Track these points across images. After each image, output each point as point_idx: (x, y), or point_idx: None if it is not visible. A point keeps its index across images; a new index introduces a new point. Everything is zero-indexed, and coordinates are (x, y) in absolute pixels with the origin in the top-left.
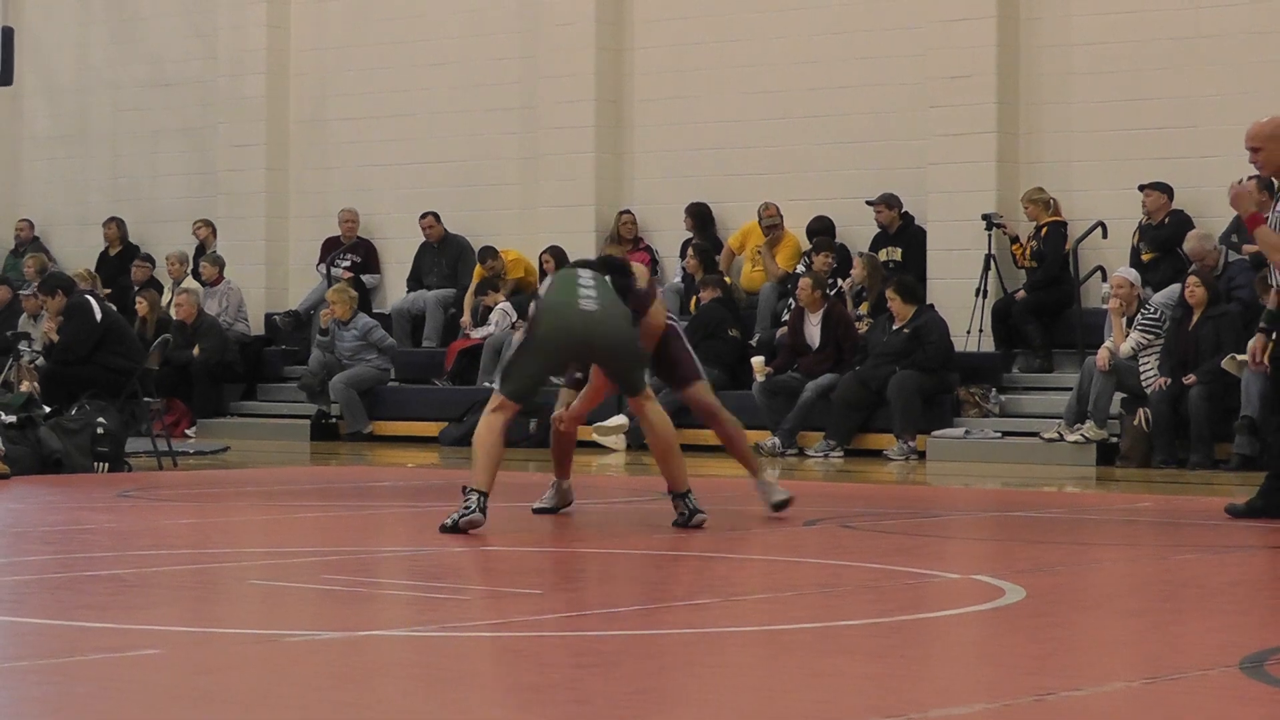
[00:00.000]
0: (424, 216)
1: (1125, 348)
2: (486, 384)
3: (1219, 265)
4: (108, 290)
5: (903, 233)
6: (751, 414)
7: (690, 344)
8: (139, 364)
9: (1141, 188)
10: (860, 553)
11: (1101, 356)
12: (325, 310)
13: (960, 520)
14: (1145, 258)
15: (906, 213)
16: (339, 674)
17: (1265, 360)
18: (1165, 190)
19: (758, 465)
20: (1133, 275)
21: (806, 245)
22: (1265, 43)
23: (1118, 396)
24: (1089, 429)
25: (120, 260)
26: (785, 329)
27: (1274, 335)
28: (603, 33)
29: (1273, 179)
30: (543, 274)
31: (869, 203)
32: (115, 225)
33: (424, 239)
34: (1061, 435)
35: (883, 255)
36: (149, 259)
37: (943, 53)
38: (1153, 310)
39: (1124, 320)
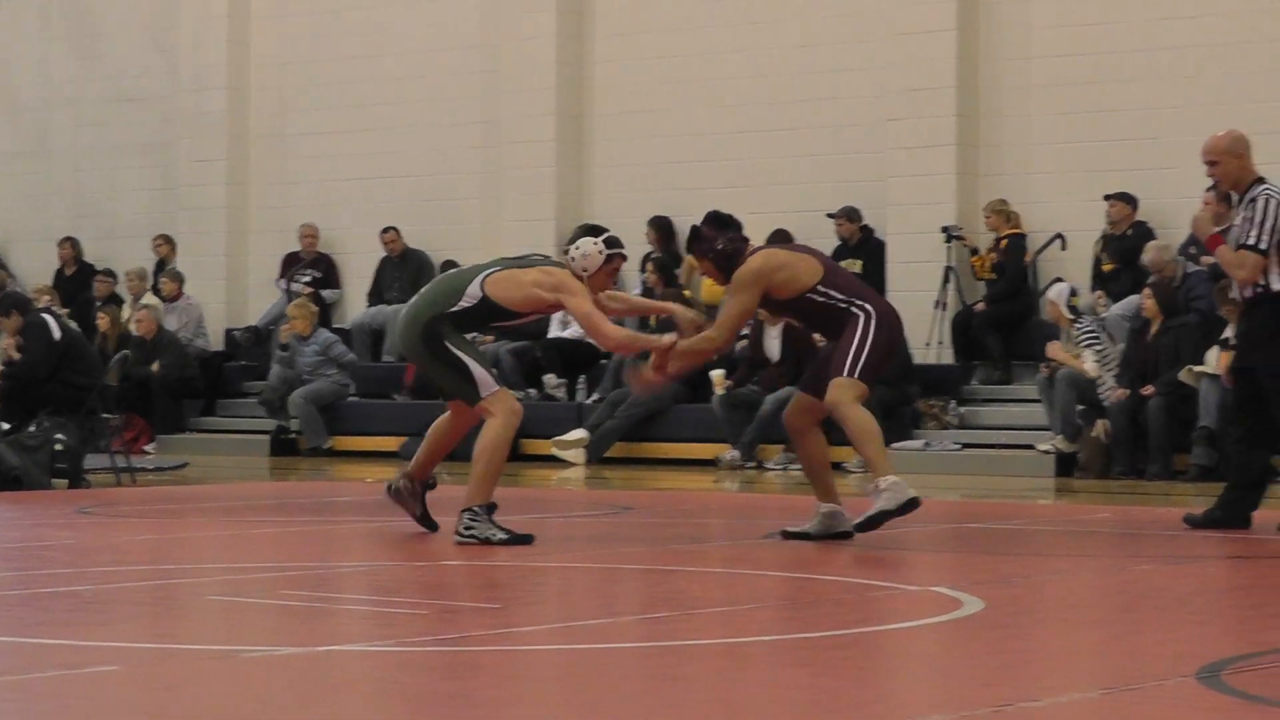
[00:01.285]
0: (386, 231)
1: (1090, 368)
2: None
3: (1178, 276)
4: (65, 309)
5: (863, 245)
6: (711, 427)
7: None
8: (98, 380)
9: (1107, 197)
10: (819, 565)
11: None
12: (285, 325)
13: (919, 532)
14: (1106, 268)
15: (866, 225)
16: (298, 689)
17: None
18: (1130, 201)
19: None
20: (1063, 291)
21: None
22: (1225, 55)
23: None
24: (1059, 441)
25: (76, 279)
26: (745, 342)
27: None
28: (564, 47)
29: (1230, 192)
30: None
31: (830, 215)
32: (70, 245)
33: (385, 253)
34: (1057, 449)
35: (850, 265)
36: (111, 274)
37: (903, 66)
38: (1085, 324)
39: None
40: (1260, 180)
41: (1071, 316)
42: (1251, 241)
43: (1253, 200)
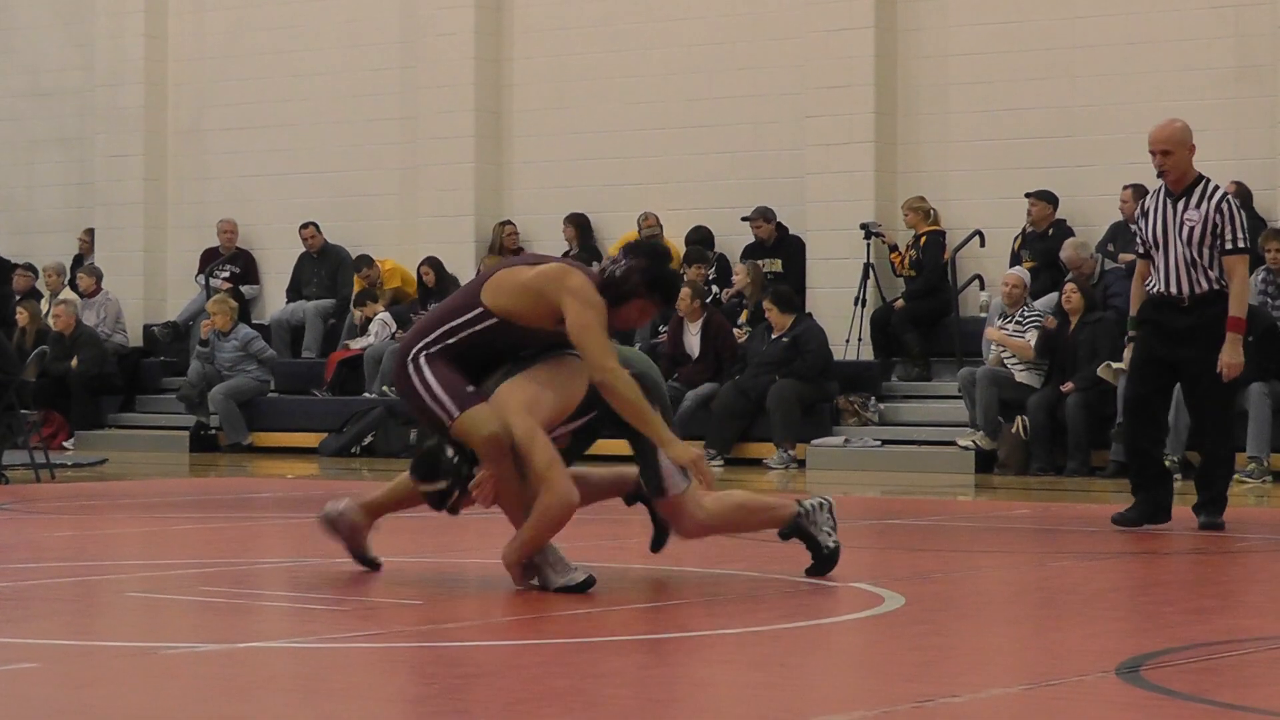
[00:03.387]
0: (304, 226)
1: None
2: (367, 394)
3: (1095, 273)
4: None
5: (781, 244)
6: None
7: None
8: (15, 376)
9: (1028, 195)
10: (740, 561)
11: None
12: (206, 321)
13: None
14: (1027, 265)
15: (782, 224)
16: (219, 686)
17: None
18: (1050, 200)
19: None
20: (1025, 274)
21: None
22: (1140, 53)
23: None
24: (979, 438)
25: None
26: (664, 338)
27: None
28: (482, 43)
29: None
30: (421, 284)
31: (745, 218)
32: None
33: (303, 249)
34: (977, 445)
35: (767, 265)
36: (31, 268)
37: (821, 63)
38: (1037, 311)
39: (1000, 320)
40: (1203, 177)
41: (1029, 301)
42: (1243, 245)
43: (1214, 200)
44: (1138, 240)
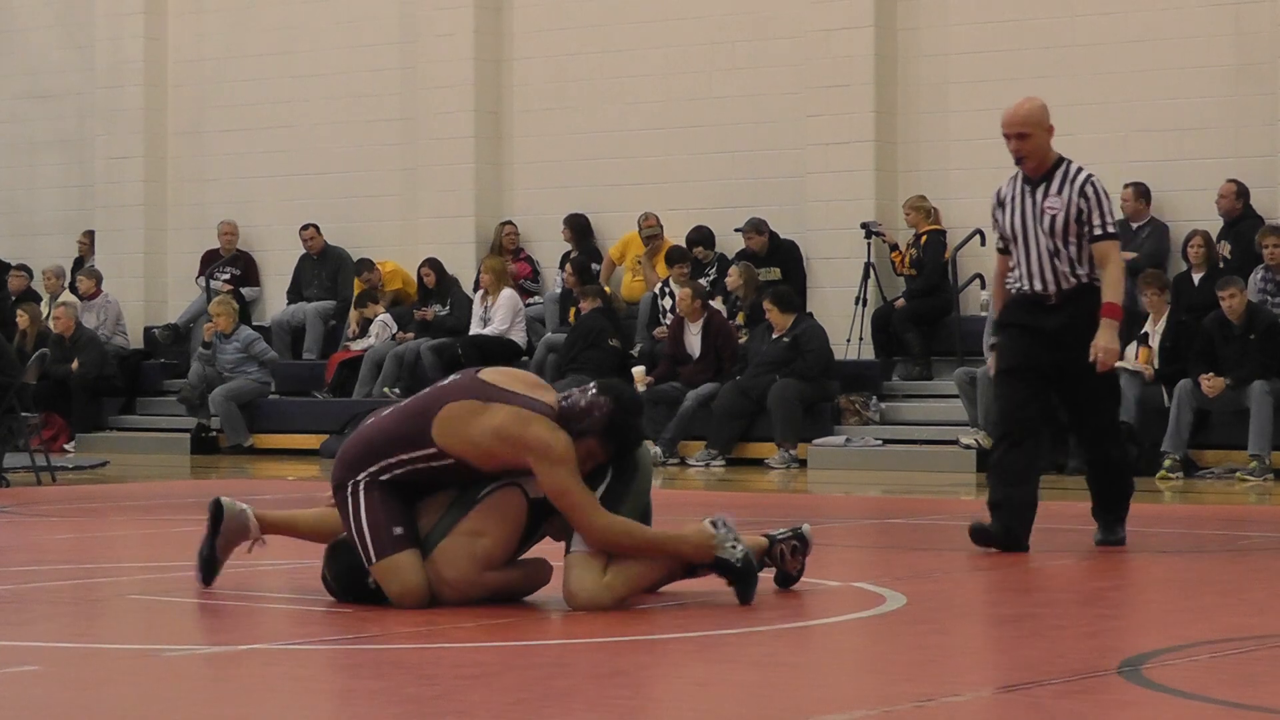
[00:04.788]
0: (305, 228)
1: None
2: (369, 395)
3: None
4: None
5: (775, 254)
6: None
7: (571, 354)
8: (16, 378)
9: None
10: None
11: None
12: (208, 324)
13: (841, 528)
14: None
15: (774, 233)
16: (220, 688)
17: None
18: None
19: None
20: None
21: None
22: (1139, 51)
23: None
24: (981, 436)
25: None
26: (665, 338)
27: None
28: (482, 44)
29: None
30: (422, 285)
31: (737, 229)
32: None
33: (304, 251)
34: (979, 443)
35: (762, 275)
36: (25, 269)
37: (820, 62)
38: None
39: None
40: (1064, 159)
41: None
42: (1112, 230)
43: (1077, 183)
44: (996, 234)
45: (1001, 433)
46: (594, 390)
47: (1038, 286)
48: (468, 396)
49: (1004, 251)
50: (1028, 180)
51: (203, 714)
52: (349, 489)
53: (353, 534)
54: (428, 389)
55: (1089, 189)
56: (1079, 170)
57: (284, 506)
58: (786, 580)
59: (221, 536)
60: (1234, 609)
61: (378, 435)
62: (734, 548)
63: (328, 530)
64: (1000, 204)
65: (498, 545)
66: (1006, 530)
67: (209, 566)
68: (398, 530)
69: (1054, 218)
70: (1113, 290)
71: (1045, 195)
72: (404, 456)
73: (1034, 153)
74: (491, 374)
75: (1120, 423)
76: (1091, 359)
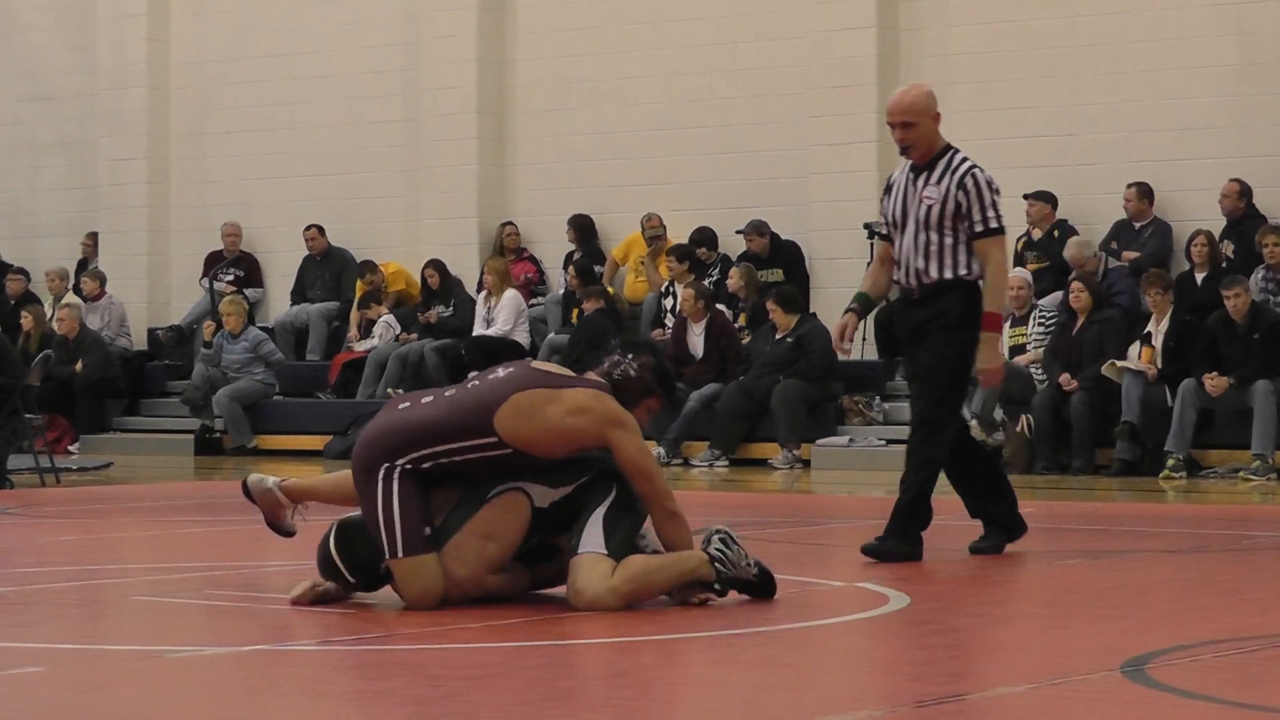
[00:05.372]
0: (308, 229)
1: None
2: (373, 396)
3: (1099, 271)
4: None
5: (776, 255)
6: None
7: (574, 355)
8: (20, 380)
9: (1026, 197)
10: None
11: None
12: (208, 323)
13: (845, 528)
14: (1032, 267)
15: (775, 234)
16: (224, 690)
17: (849, 342)
18: (1049, 200)
19: None
20: (1026, 275)
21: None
22: (1142, 51)
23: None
24: (974, 429)
25: None
26: (669, 339)
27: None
28: (484, 45)
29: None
30: (425, 286)
31: (739, 231)
32: None
33: (307, 252)
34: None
35: (764, 277)
36: (23, 272)
37: (823, 63)
38: (1050, 313)
39: (1008, 322)
40: (951, 148)
41: (1034, 301)
42: (994, 225)
43: (958, 174)
44: (880, 220)
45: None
46: (630, 356)
47: (907, 279)
48: (536, 386)
49: (884, 238)
50: (914, 168)
51: (207, 715)
52: (382, 473)
53: (379, 521)
54: (476, 382)
55: (969, 181)
56: (963, 161)
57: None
58: (752, 587)
59: (264, 511)
60: (1237, 609)
61: (424, 423)
62: (749, 565)
63: (348, 494)
64: (887, 190)
65: (503, 550)
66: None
67: (284, 532)
68: (427, 531)
69: (929, 208)
70: (993, 296)
71: (925, 184)
72: (457, 445)
73: (919, 141)
74: (542, 364)
75: (1125, 421)
76: (974, 375)
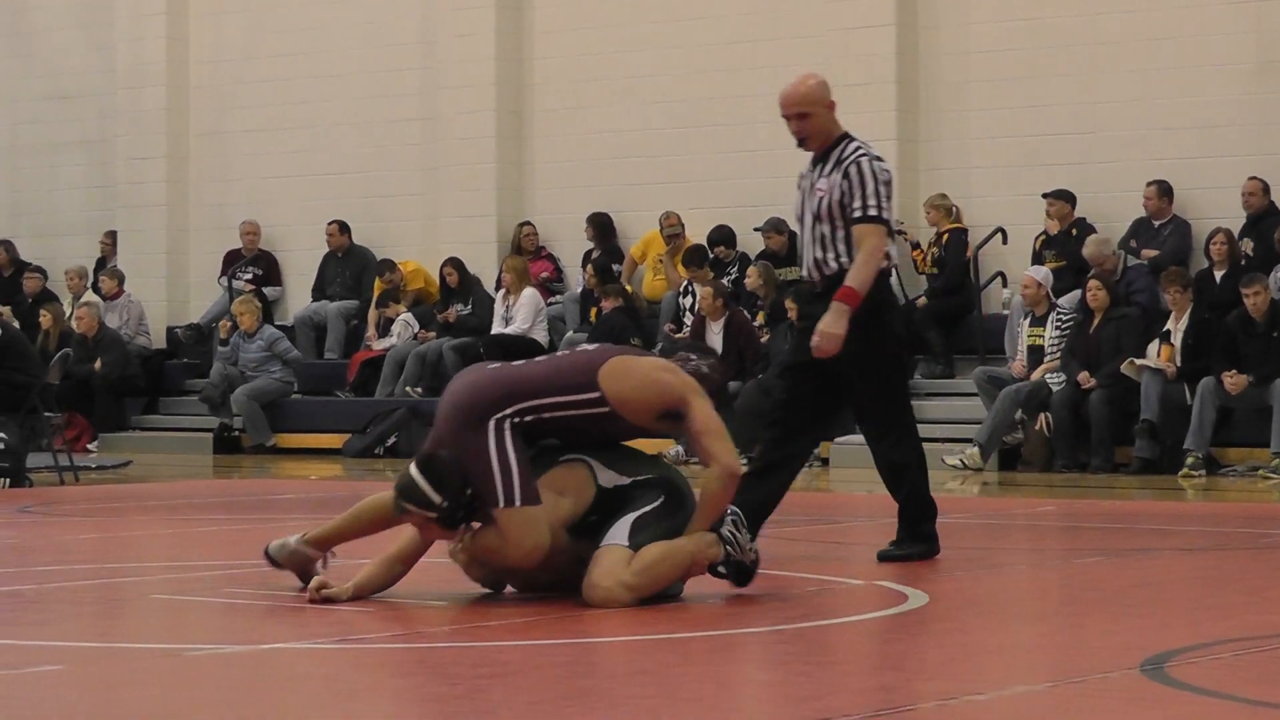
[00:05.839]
0: (330, 224)
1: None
2: (391, 394)
3: (1118, 269)
4: (5, 306)
5: (796, 252)
6: None
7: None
8: (39, 379)
9: (1045, 196)
10: (763, 560)
11: (1017, 367)
12: (224, 321)
13: (863, 526)
14: (1050, 266)
15: (794, 232)
16: (243, 688)
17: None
18: (1068, 199)
19: None
20: (1040, 274)
21: (710, 254)
22: (1162, 49)
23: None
24: (968, 455)
25: (14, 281)
26: (686, 337)
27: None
28: (503, 43)
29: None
30: (444, 284)
31: (757, 229)
32: (4, 249)
33: (326, 250)
34: (964, 463)
35: (783, 274)
36: (40, 270)
37: (842, 61)
38: (1067, 312)
39: (1027, 321)
40: (847, 136)
41: (1053, 301)
42: (874, 213)
43: (844, 164)
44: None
45: (768, 424)
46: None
47: (807, 271)
48: (627, 354)
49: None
50: (812, 161)
51: (226, 713)
52: (493, 424)
53: (493, 470)
54: (571, 350)
55: (853, 169)
56: (855, 150)
57: (304, 505)
58: (743, 573)
59: (294, 571)
60: (1257, 607)
61: (531, 378)
62: (751, 550)
63: (374, 520)
64: (799, 185)
65: (574, 509)
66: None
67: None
68: (534, 485)
69: (821, 199)
70: (856, 274)
71: (819, 176)
72: (561, 399)
73: (816, 133)
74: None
75: (1144, 419)
76: (812, 343)
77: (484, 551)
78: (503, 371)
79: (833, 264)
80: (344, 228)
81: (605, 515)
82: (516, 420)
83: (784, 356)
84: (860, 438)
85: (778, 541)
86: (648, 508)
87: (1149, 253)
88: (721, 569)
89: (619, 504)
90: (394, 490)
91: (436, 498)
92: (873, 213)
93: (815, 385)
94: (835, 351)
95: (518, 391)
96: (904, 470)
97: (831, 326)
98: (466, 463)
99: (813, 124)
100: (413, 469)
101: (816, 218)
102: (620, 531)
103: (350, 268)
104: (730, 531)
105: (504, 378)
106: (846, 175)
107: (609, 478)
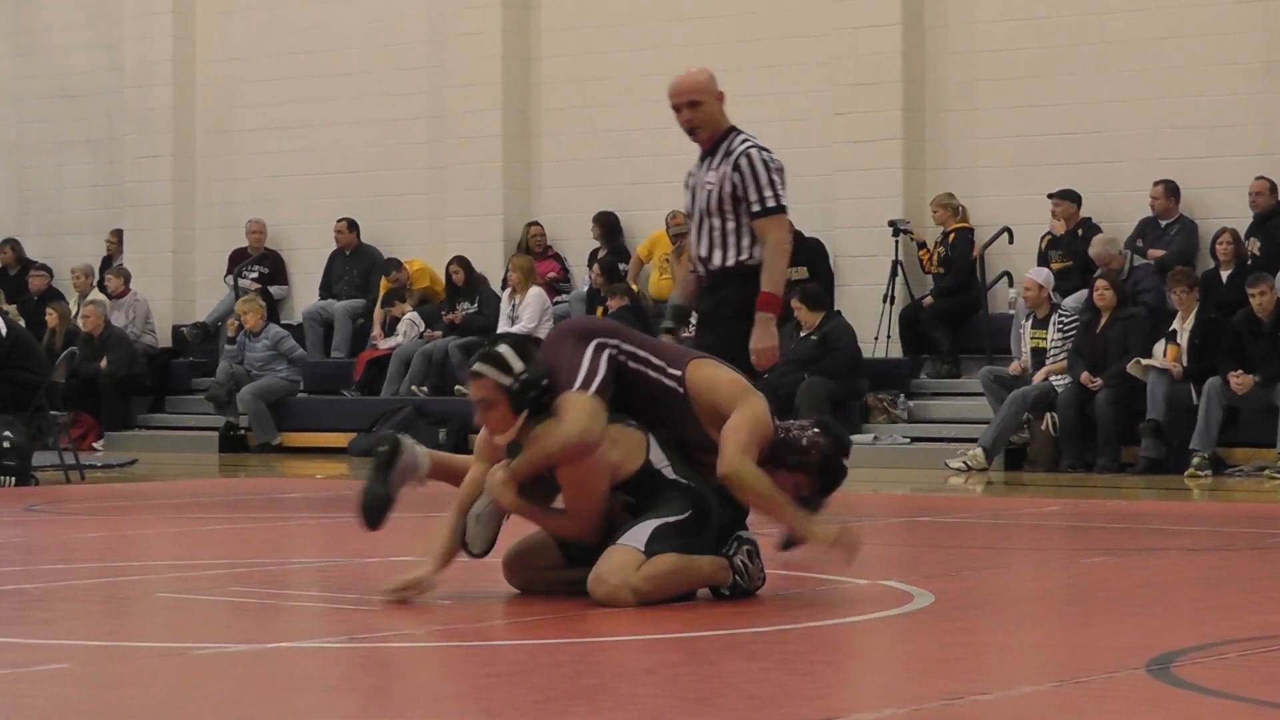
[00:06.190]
0: (339, 221)
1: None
2: (397, 393)
3: (1124, 269)
4: (12, 304)
5: (802, 252)
6: None
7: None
8: (45, 377)
9: (1051, 196)
10: (770, 559)
11: (1016, 367)
12: (232, 320)
13: (869, 526)
14: (1056, 266)
15: (799, 231)
16: (248, 687)
17: None
18: (1073, 199)
19: None
20: (1041, 276)
21: None
22: (1168, 48)
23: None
24: (972, 457)
25: (20, 278)
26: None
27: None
28: (509, 42)
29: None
30: (450, 283)
31: None
32: (10, 248)
33: (333, 249)
34: (968, 465)
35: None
36: (45, 268)
37: (848, 60)
38: (1069, 314)
39: (1029, 323)
40: (734, 129)
41: (1056, 301)
42: (772, 204)
43: (734, 155)
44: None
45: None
46: (815, 430)
47: (696, 267)
48: (721, 363)
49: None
50: (701, 155)
51: (230, 713)
52: (595, 342)
53: (580, 365)
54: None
55: (744, 161)
56: (743, 141)
57: (310, 504)
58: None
59: (396, 473)
60: (1263, 607)
61: (634, 333)
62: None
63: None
64: (686, 184)
65: (622, 460)
66: None
67: (381, 505)
68: (609, 394)
69: (710, 193)
70: (770, 277)
71: (707, 169)
72: (655, 360)
73: (706, 122)
74: None
75: (1150, 419)
76: (754, 361)
77: (534, 441)
78: (613, 320)
79: (717, 261)
80: (352, 225)
81: (640, 497)
82: (615, 352)
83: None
84: (862, 436)
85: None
86: (672, 518)
87: (1155, 252)
88: (725, 592)
89: (653, 492)
90: (474, 359)
91: (518, 365)
92: (771, 204)
93: None
94: (774, 362)
95: (625, 335)
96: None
97: (762, 341)
98: (558, 368)
99: (704, 113)
100: (500, 345)
101: (705, 212)
102: (639, 534)
103: (358, 266)
104: (743, 562)
105: (615, 323)
106: (737, 167)
107: (658, 457)
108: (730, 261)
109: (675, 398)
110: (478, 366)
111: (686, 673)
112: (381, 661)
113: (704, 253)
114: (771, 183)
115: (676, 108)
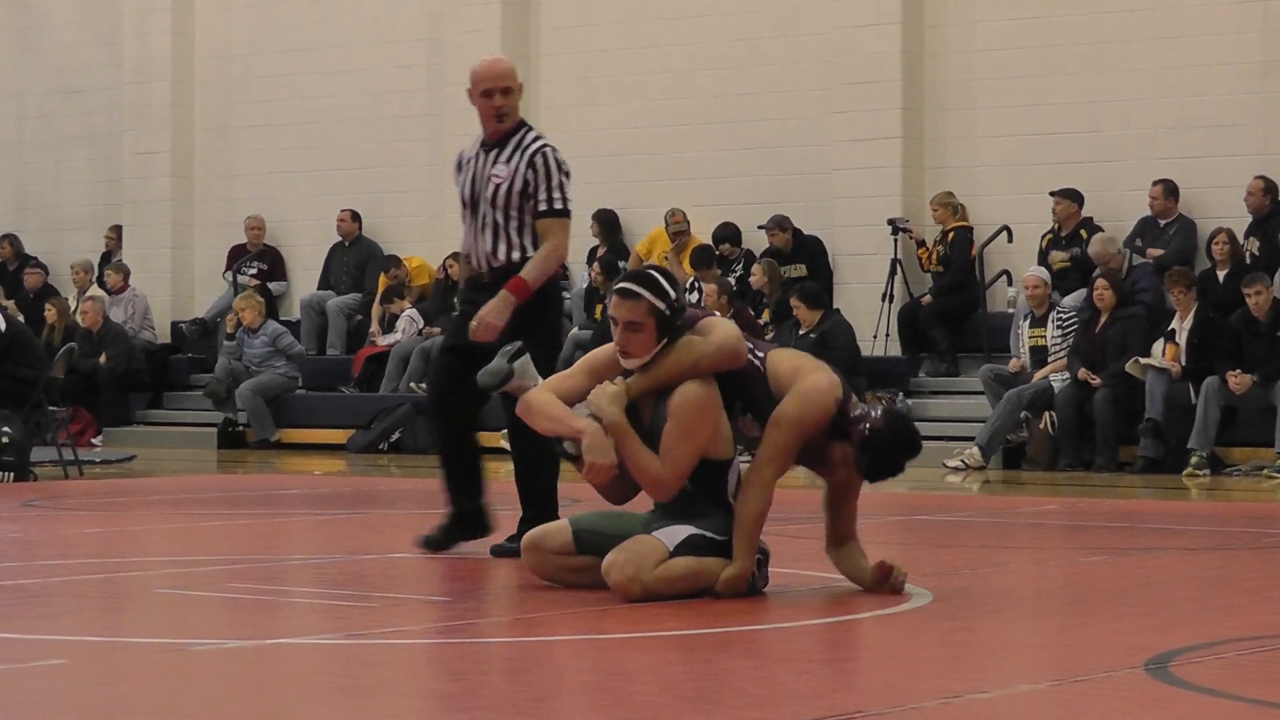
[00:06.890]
0: (342, 212)
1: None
2: (395, 390)
3: (1123, 268)
4: (10, 300)
5: (799, 250)
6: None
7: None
8: (44, 373)
9: (1052, 194)
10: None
11: (1014, 365)
12: (230, 316)
13: (867, 524)
14: (1058, 265)
15: (798, 229)
16: (246, 683)
17: None
18: (1075, 197)
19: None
20: (1044, 274)
21: (715, 251)
22: (1167, 48)
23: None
24: (970, 455)
25: (18, 274)
26: None
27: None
28: (509, 40)
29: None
30: (448, 280)
31: (761, 226)
32: (9, 243)
33: (332, 244)
34: (965, 464)
35: (787, 271)
36: (41, 265)
37: (848, 59)
38: (1068, 312)
39: (1028, 322)
40: (525, 124)
41: (1053, 300)
42: (559, 206)
43: (529, 152)
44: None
45: (433, 414)
46: (879, 411)
47: (476, 262)
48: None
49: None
50: (485, 144)
51: (228, 709)
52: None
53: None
54: None
55: (539, 159)
56: (536, 139)
57: (309, 500)
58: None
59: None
60: (1261, 607)
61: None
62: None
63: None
64: (459, 167)
65: (721, 441)
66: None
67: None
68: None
69: (498, 187)
70: (533, 268)
71: (495, 161)
72: (749, 342)
73: (513, 111)
74: None
75: (1148, 418)
76: (472, 325)
77: (675, 351)
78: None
79: (501, 256)
80: (355, 216)
81: (697, 488)
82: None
83: (443, 339)
84: None
85: (781, 539)
86: (711, 533)
87: (1154, 252)
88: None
89: (709, 496)
90: (624, 278)
91: (673, 293)
92: (558, 206)
93: (466, 371)
94: (492, 339)
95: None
96: (541, 465)
97: (493, 316)
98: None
99: (514, 100)
100: (651, 269)
101: (491, 204)
102: (673, 534)
103: (355, 259)
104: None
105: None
106: (532, 165)
107: (734, 475)
108: (516, 256)
109: (759, 378)
110: (633, 287)
111: (683, 671)
112: (379, 658)
113: (488, 247)
114: (561, 184)
115: (488, 93)
